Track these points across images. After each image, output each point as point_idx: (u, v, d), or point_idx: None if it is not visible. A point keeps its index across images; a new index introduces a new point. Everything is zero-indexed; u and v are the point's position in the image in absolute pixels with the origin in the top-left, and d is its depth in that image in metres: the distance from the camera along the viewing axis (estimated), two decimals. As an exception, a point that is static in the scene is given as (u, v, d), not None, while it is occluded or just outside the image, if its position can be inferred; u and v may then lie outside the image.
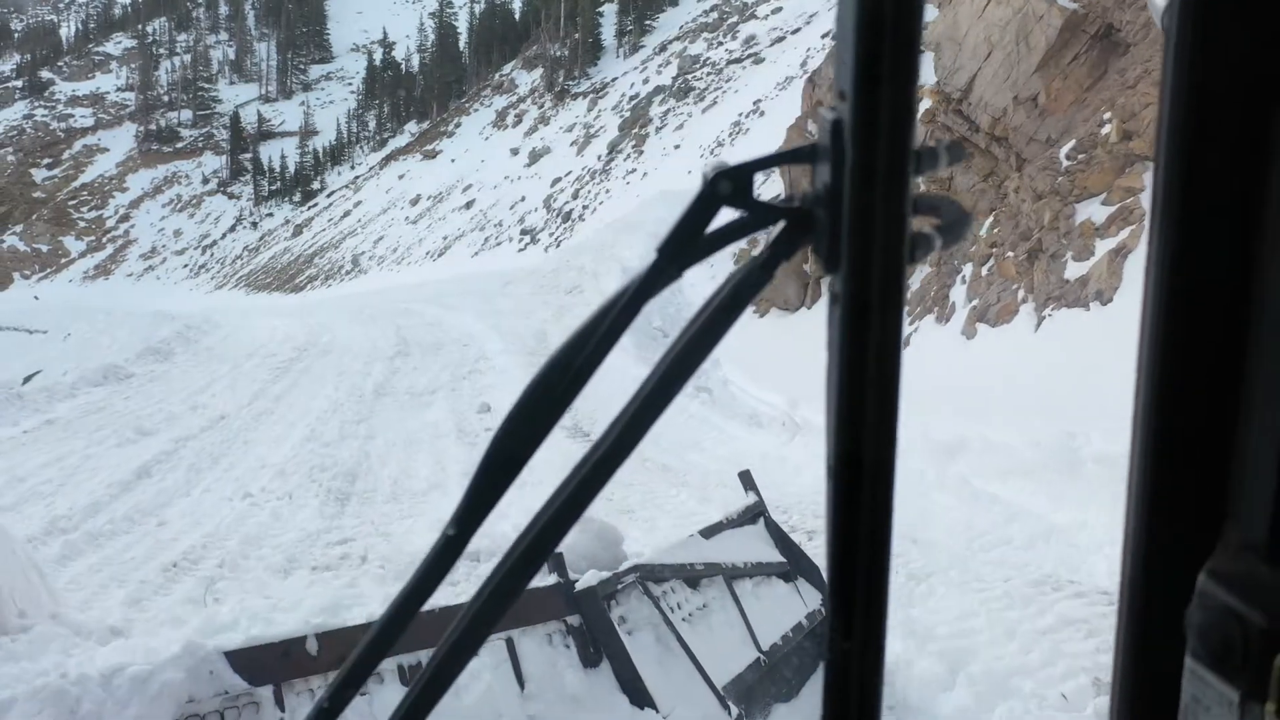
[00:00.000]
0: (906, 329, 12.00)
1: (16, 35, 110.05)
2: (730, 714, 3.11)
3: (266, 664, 2.56)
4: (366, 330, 19.16)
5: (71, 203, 74.78)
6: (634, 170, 38.14)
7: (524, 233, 38.40)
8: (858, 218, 0.45)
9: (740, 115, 35.35)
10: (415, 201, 52.47)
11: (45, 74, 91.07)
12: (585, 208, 36.96)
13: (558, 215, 38.06)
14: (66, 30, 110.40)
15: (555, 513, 0.54)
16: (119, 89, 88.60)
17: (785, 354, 12.25)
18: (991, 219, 11.99)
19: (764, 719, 3.39)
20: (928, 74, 14.23)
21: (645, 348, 11.51)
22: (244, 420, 10.45)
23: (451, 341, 16.68)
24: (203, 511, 7.04)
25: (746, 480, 4.32)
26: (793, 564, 4.10)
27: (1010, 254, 10.51)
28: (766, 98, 35.24)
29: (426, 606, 0.60)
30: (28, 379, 21.46)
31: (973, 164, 12.88)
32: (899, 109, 0.43)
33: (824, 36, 37.25)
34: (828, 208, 0.46)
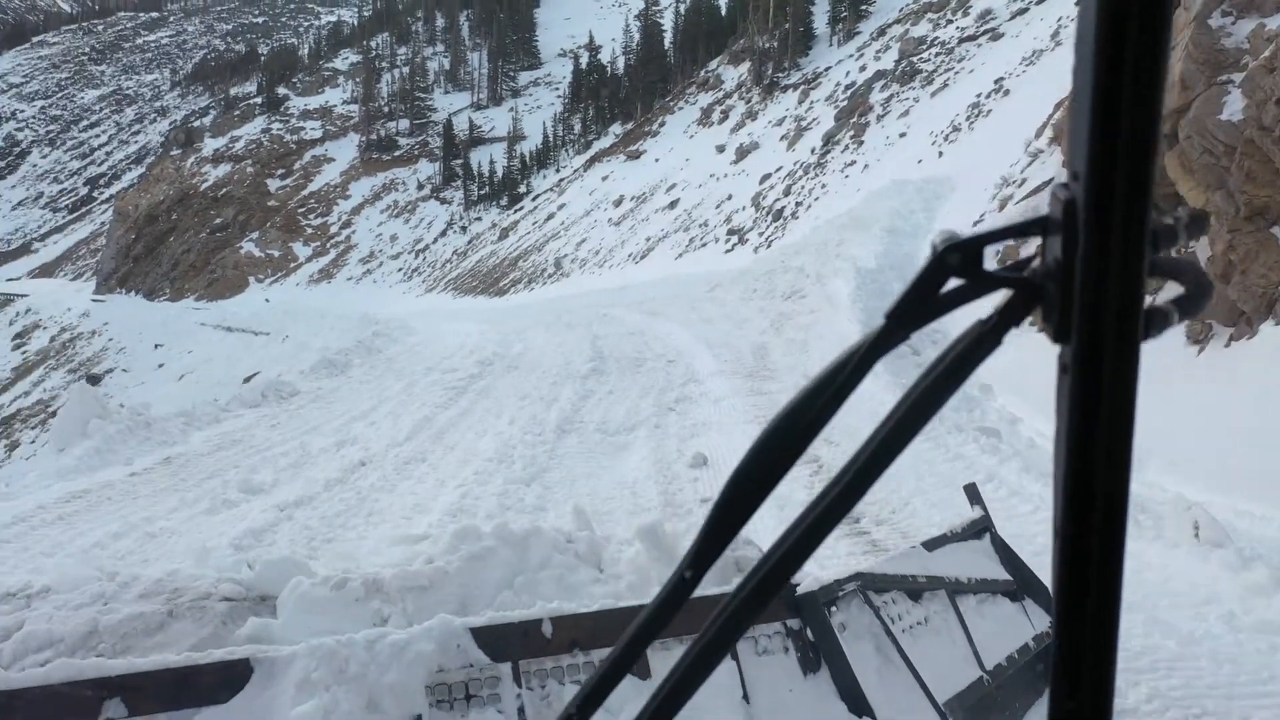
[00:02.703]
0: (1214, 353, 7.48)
1: (263, 58, 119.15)
2: None
3: (507, 642, 2.63)
4: (560, 340, 16.89)
5: (300, 210, 78.85)
6: (853, 162, 34.73)
7: (731, 233, 35.82)
8: (1089, 297, 0.45)
9: (979, 96, 31.23)
10: (618, 203, 51.01)
11: (281, 90, 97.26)
12: (799, 204, 33.95)
13: (767, 213, 35.29)
14: (303, 51, 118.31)
15: (784, 553, 0.55)
16: (344, 101, 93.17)
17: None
18: None
19: None
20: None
21: (897, 371, 8.79)
22: (385, 471, 8.07)
23: (654, 356, 14.04)
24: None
25: (972, 494, 4.04)
26: (1020, 583, 3.76)
27: None
28: (1010, 75, 31.03)
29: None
30: (248, 379, 21.35)
31: None
32: (1134, 191, 0.43)
33: (1078, 3, 32.47)
34: (1058, 282, 0.46)
